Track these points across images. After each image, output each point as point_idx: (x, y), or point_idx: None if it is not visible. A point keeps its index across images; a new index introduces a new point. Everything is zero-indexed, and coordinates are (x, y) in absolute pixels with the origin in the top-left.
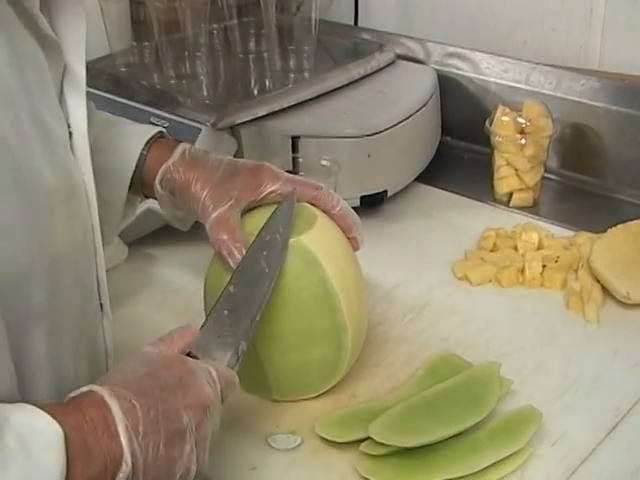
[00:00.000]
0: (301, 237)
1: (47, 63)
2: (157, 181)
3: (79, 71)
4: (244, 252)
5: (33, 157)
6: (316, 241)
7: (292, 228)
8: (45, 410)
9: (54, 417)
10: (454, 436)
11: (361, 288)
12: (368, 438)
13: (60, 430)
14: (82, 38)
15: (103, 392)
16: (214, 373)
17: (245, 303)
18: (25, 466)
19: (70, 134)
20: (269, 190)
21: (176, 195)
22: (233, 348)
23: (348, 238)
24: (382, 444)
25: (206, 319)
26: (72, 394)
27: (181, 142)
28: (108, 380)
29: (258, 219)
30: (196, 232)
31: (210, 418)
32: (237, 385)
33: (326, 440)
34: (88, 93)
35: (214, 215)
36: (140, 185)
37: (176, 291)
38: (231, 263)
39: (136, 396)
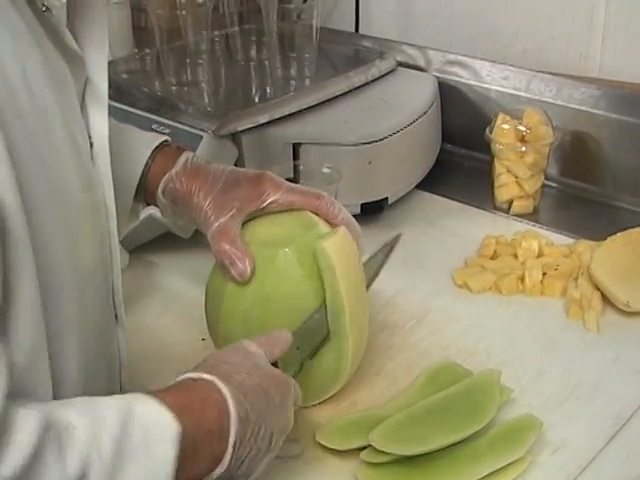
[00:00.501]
0: (325, 244)
1: (71, 76)
2: (159, 190)
3: (101, 84)
4: (247, 262)
5: (64, 171)
6: (336, 250)
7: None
8: (166, 402)
9: (174, 411)
10: (454, 444)
11: (364, 297)
12: (369, 446)
13: (179, 428)
14: (105, 52)
15: (227, 395)
16: (295, 395)
17: (322, 327)
18: (145, 458)
19: (91, 145)
20: (270, 200)
21: (178, 204)
22: (301, 362)
23: None
24: (383, 452)
25: (297, 329)
26: (189, 375)
27: (184, 151)
28: (228, 378)
29: (259, 228)
30: (197, 240)
31: None
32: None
33: (327, 448)
34: None
35: (216, 225)
36: (143, 193)
37: (177, 298)
38: (233, 272)
39: (250, 408)
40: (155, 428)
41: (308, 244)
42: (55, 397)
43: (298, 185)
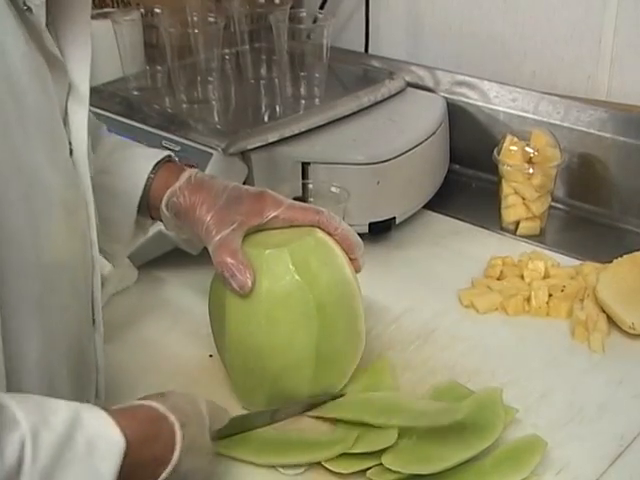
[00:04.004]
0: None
1: (52, 81)
2: (163, 204)
3: (83, 90)
4: (247, 274)
5: (41, 166)
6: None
7: None
8: (120, 422)
9: (128, 434)
10: (460, 464)
11: (355, 309)
12: (375, 465)
13: (124, 445)
14: (87, 58)
15: (177, 444)
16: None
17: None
18: (84, 469)
19: (71, 151)
20: (272, 215)
21: (181, 218)
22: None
23: (350, 259)
24: (390, 471)
25: (235, 420)
26: (153, 405)
27: (188, 167)
28: (183, 425)
29: (260, 236)
30: (205, 255)
31: None
32: None
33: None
34: (100, 116)
35: (217, 238)
36: (148, 208)
37: (185, 314)
38: (234, 285)
39: (187, 461)
40: (101, 441)
41: (302, 245)
42: (9, 381)
43: (297, 202)
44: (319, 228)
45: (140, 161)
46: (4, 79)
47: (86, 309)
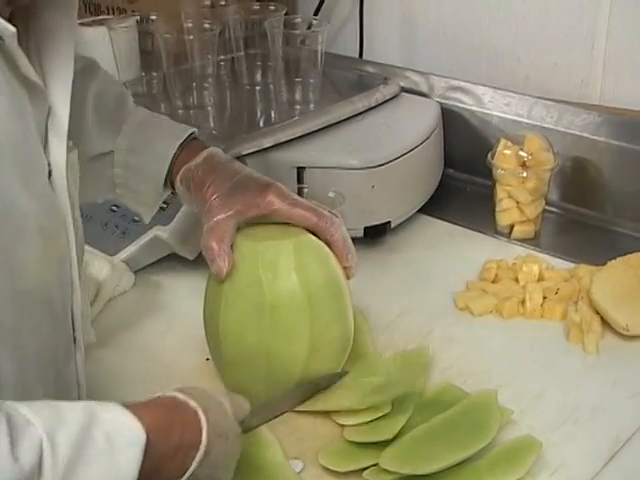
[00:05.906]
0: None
1: (30, 104)
2: (178, 178)
3: (62, 116)
4: (226, 262)
5: (15, 192)
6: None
7: None
8: (143, 418)
9: (150, 426)
10: (455, 465)
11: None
12: (370, 466)
13: (144, 436)
14: (68, 85)
15: (203, 426)
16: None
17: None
18: (106, 465)
19: (50, 173)
20: (273, 208)
21: (191, 193)
22: (252, 427)
23: (343, 267)
24: (386, 471)
25: (266, 401)
26: (177, 395)
27: (210, 147)
28: (207, 411)
29: (257, 230)
30: (201, 261)
31: None
32: None
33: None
34: None
35: (212, 221)
36: (171, 183)
37: (181, 318)
38: (212, 269)
39: (214, 450)
40: (120, 434)
41: (300, 242)
42: None
43: (304, 200)
44: (314, 233)
45: (165, 142)
46: None
47: (65, 329)
